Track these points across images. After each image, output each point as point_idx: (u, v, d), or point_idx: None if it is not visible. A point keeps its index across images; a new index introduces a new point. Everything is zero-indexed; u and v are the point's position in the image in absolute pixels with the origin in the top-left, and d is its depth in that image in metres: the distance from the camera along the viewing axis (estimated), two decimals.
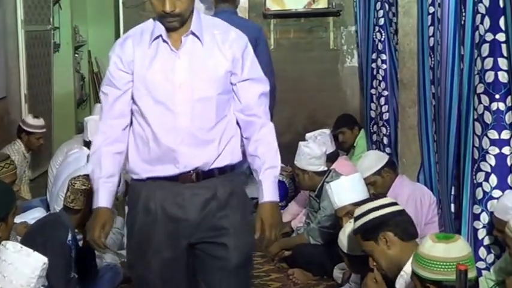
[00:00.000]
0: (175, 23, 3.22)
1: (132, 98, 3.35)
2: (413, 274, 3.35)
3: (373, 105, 7.06)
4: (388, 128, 6.70)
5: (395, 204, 4.00)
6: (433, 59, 5.29)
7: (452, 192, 4.95)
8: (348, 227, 4.39)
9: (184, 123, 3.28)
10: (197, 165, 3.33)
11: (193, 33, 3.27)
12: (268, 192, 3.38)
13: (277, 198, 3.42)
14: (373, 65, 6.96)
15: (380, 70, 6.80)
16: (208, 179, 3.36)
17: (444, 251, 3.25)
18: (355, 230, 3.99)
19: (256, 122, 3.40)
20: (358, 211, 3.99)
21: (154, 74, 3.28)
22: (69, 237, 4.62)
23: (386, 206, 3.94)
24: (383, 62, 6.77)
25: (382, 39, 6.75)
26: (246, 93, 3.37)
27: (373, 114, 7.07)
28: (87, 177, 4.92)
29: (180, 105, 3.27)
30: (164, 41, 3.28)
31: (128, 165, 3.45)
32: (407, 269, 3.64)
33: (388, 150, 6.64)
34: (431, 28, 5.29)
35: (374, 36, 6.85)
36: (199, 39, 3.28)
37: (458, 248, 3.27)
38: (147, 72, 3.28)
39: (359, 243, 4.01)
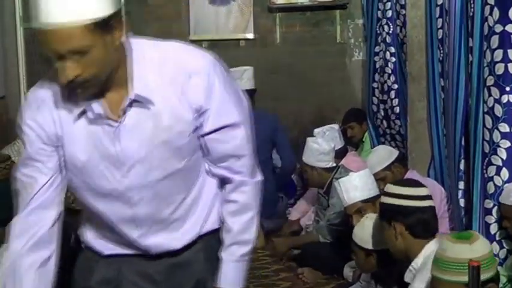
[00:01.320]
0: (91, 89, 2.28)
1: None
2: (437, 280, 3.16)
3: (374, 99, 7.01)
4: (399, 122, 6.63)
5: (427, 198, 3.87)
6: (441, 51, 5.26)
7: (461, 187, 4.91)
8: (366, 221, 4.35)
9: (143, 211, 2.48)
10: (171, 249, 2.57)
11: (135, 100, 2.32)
12: (226, 278, 2.55)
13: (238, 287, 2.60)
14: (376, 58, 6.92)
15: (389, 63, 6.74)
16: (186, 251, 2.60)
17: (470, 251, 3.10)
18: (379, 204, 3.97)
19: (233, 179, 2.53)
20: (389, 189, 3.90)
21: (90, 161, 2.41)
22: (72, 239, 4.56)
23: (415, 198, 3.81)
24: (392, 55, 6.71)
25: (391, 31, 6.70)
26: (216, 144, 2.46)
27: (375, 108, 7.02)
28: None
29: (133, 191, 2.44)
30: (95, 113, 2.35)
31: (81, 237, 2.68)
32: (416, 264, 3.59)
33: (399, 144, 6.60)
34: (440, 20, 5.25)
35: (381, 29, 6.80)
36: (147, 101, 2.34)
37: (481, 246, 3.16)
38: (79, 158, 2.41)
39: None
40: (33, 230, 2.47)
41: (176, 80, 2.35)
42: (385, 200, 3.86)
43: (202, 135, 2.44)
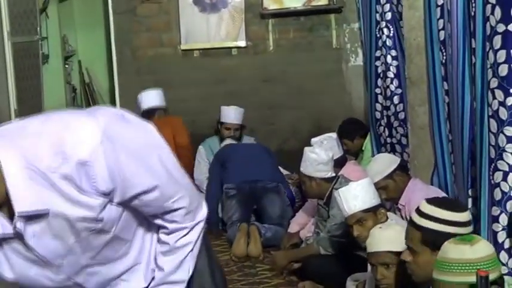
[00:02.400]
0: None
1: None
2: (439, 283, 3.10)
3: (378, 106, 6.93)
4: (405, 128, 6.52)
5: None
6: (444, 53, 5.20)
7: (470, 194, 4.84)
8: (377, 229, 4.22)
9: (94, 284, 2.39)
10: None
11: (23, 215, 2.10)
12: None
13: None
14: (377, 63, 6.84)
15: (391, 67, 6.67)
16: None
17: (472, 251, 3.05)
18: (420, 226, 3.62)
19: (167, 227, 2.39)
20: (439, 214, 3.63)
21: (20, 274, 2.26)
22: None
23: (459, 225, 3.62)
24: (393, 58, 6.64)
25: (391, 34, 6.63)
26: (139, 207, 2.28)
27: (378, 115, 6.93)
28: None
29: (75, 277, 2.32)
30: None
31: None
32: None
33: (404, 151, 6.53)
34: (441, 21, 5.18)
35: (381, 33, 6.72)
36: (38, 212, 2.11)
37: (483, 247, 3.09)
38: (7, 277, 2.26)
39: (407, 233, 3.70)
40: None
41: (66, 175, 2.08)
42: (432, 225, 3.60)
43: (119, 204, 2.22)
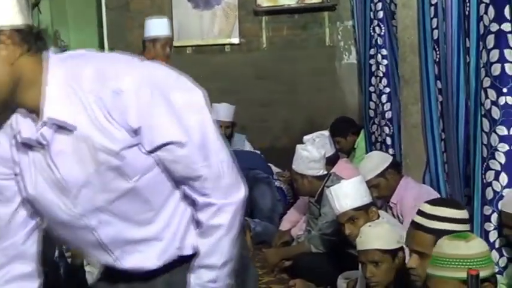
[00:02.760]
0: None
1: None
2: (433, 278, 3.12)
3: (372, 104, 6.94)
4: (391, 127, 6.58)
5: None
6: (438, 52, 5.20)
7: (465, 193, 4.86)
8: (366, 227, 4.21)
9: (105, 236, 2.38)
10: (149, 269, 2.45)
11: (55, 124, 2.19)
12: None
13: None
14: (371, 61, 6.85)
15: (380, 66, 6.70)
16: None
17: (467, 247, 3.07)
18: (433, 229, 3.60)
19: (197, 200, 2.35)
20: (444, 212, 3.66)
21: (40, 192, 2.31)
22: (56, 253, 4.45)
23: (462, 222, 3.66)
24: (383, 57, 6.66)
25: (382, 33, 6.65)
26: (168, 163, 2.28)
27: (372, 113, 6.96)
28: None
29: (88, 217, 2.33)
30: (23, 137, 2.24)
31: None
32: None
33: (391, 150, 6.52)
34: (435, 20, 5.18)
35: (372, 31, 6.75)
36: (65, 124, 2.20)
37: (478, 244, 3.13)
38: (28, 191, 2.32)
39: (413, 237, 3.68)
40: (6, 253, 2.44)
41: (101, 99, 2.16)
42: (445, 226, 3.60)
43: (149, 152, 2.24)
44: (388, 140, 6.62)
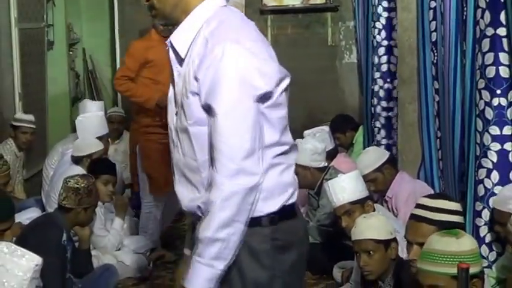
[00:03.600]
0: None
1: None
2: (424, 273, 3.13)
3: (371, 102, 6.91)
4: (389, 125, 6.60)
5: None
6: (435, 54, 5.25)
7: (459, 189, 4.90)
8: (361, 218, 4.26)
9: (174, 157, 2.68)
10: (188, 208, 2.66)
11: (171, 44, 2.63)
12: (186, 275, 2.52)
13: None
14: (371, 61, 6.83)
15: (380, 66, 6.69)
16: None
17: (457, 244, 3.10)
18: (435, 221, 3.68)
19: (212, 176, 2.50)
20: (444, 205, 3.76)
21: (172, 94, 2.71)
22: (64, 237, 4.54)
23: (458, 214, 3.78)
24: (383, 57, 6.65)
25: (382, 34, 6.62)
26: (209, 128, 2.50)
27: (371, 110, 6.93)
28: (82, 176, 4.87)
29: (175, 133, 2.66)
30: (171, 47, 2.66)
31: None
32: None
33: (388, 147, 6.52)
34: (434, 23, 5.24)
35: (373, 32, 6.74)
36: (176, 52, 2.62)
37: (468, 241, 3.15)
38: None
39: (416, 229, 3.72)
40: None
41: (202, 38, 2.52)
42: (447, 217, 3.71)
43: (202, 107, 2.49)
44: (386, 136, 6.63)
